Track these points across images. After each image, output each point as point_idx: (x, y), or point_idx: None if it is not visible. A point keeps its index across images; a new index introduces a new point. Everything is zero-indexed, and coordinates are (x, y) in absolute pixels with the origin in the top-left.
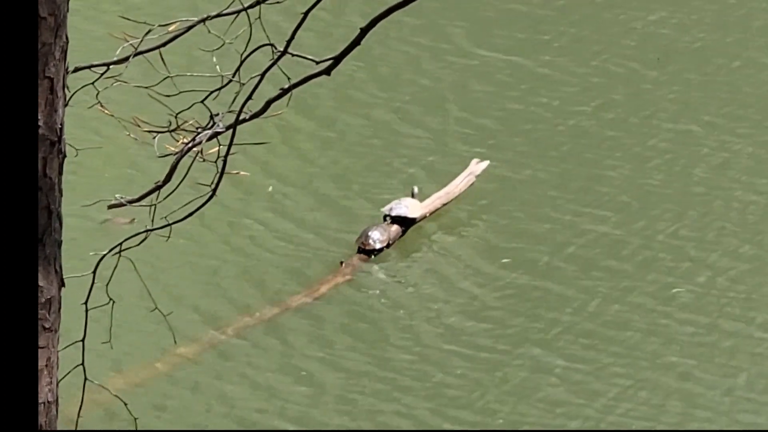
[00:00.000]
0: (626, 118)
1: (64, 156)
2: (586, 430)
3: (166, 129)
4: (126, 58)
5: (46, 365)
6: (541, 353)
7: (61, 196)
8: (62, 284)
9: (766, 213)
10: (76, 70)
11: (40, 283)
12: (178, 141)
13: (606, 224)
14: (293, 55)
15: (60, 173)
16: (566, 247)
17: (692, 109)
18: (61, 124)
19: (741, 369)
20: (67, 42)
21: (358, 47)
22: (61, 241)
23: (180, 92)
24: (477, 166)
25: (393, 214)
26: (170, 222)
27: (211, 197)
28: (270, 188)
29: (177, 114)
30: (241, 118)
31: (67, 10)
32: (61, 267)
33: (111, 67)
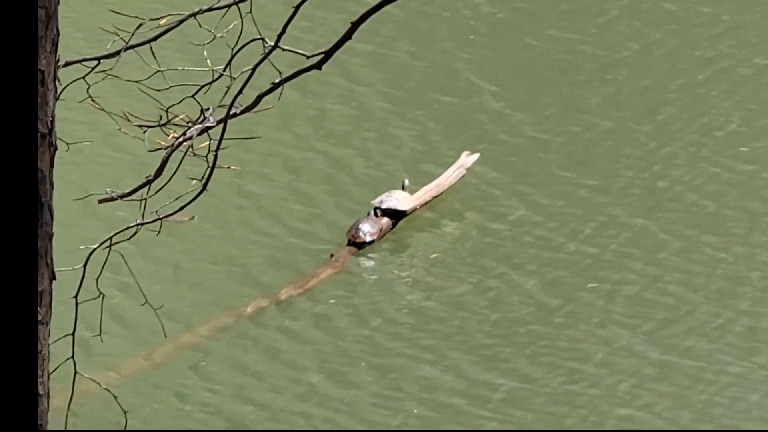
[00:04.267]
0: (624, 107)
1: (56, 149)
2: (587, 430)
3: (157, 123)
4: (117, 52)
5: (37, 358)
6: (534, 346)
7: (53, 188)
8: (53, 277)
9: None
10: (68, 64)
11: None
12: (169, 135)
13: (600, 216)
14: (284, 49)
15: (51, 166)
16: (560, 240)
17: (685, 96)
18: (52, 117)
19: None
20: (58, 35)
21: (348, 41)
22: (53, 234)
23: (171, 86)
24: (467, 159)
25: (383, 206)
26: (161, 216)
27: (201, 191)
28: (194, 218)
29: (168, 108)
30: (232, 112)
31: (58, 3)
32: (52, 260)
33: (102, 61)
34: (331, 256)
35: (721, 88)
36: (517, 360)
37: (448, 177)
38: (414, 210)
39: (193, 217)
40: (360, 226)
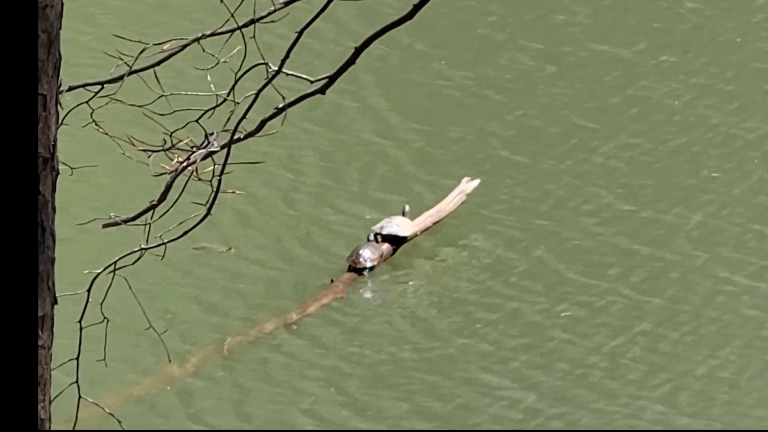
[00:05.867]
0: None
1: (57, 173)
2: (585, 431)
3: (161, 148)
4: (120, 77)
5: (39, 383)
6: (532, 373)
7: (54, 213)
8: (55, 301)
9: None
10: (71, 88)
11: None
12: (173, 160)
13: (598, 240)
14: (288, 74)
15: (53, 190)
16: (559, 264)
17: (686, 118)
18: (53, 141)
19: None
20: (60, 59)
21: (352, 66)
22: (54, 258)
23: (174, 111)
24: (468, 185)
25: (384, 232)
26: (165, 241)
27: (205, 216)
28: (231, 249)
29: (172, 133)
30: (235, 137)
31: (60, 27)
32: (53, 284)
33: (106, 85)
34: (332, 281)
35: (632, 113)
36: (522, 387)
37: (449, 203)
38: (415, 236)
39: (230, 248)
40: (360, 251)
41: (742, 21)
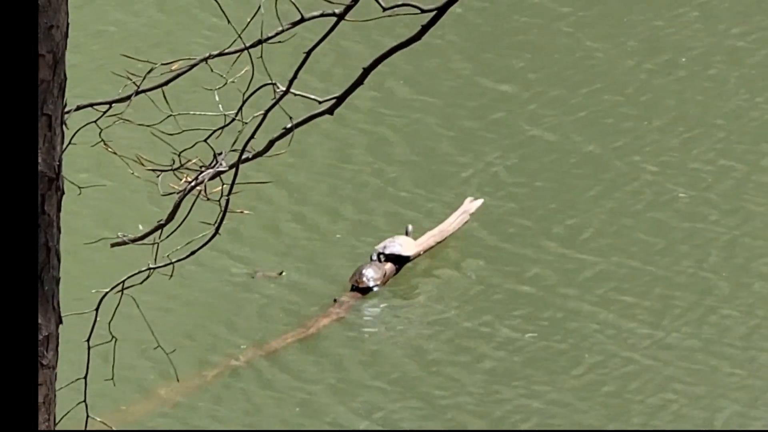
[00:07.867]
0: (624, 153)
1: (63, 193)
2: (586, 431)
3: (169, 168)
4: (128, 97)
5: (44, 402)
6: (535, 395)
7: (60, 233)
8: (60, 321)
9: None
10: (78, 108)
11: (39, 320)
12: (181, 179)
13: (600, 263)
14: (296, 94)
15: (58, 210)
16: (561, 285)
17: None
18: (59, 161)
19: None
20: (65, 79)
21: (360, 86)
22: (60, 278)
23: (183, 131)
24: (471, 205)
25: (387, 252)
26: (173, 260)
27: (213, 236)
28: (283, 273)
29: (180, 152)
30: (243, 157)
31: (66, 47)
32: (59, 304)
33: (114, 105)
34: (335, 301)
35: (492, 137)
36: (524, 410)
37: (452, 223)
38: (418, 255)
39: (281, 273)
40: (364, 271)
41: (616, 48)
